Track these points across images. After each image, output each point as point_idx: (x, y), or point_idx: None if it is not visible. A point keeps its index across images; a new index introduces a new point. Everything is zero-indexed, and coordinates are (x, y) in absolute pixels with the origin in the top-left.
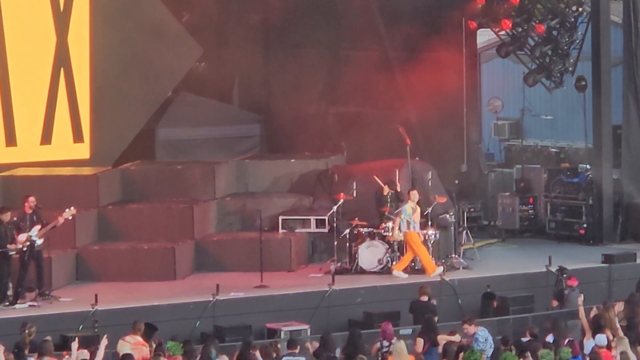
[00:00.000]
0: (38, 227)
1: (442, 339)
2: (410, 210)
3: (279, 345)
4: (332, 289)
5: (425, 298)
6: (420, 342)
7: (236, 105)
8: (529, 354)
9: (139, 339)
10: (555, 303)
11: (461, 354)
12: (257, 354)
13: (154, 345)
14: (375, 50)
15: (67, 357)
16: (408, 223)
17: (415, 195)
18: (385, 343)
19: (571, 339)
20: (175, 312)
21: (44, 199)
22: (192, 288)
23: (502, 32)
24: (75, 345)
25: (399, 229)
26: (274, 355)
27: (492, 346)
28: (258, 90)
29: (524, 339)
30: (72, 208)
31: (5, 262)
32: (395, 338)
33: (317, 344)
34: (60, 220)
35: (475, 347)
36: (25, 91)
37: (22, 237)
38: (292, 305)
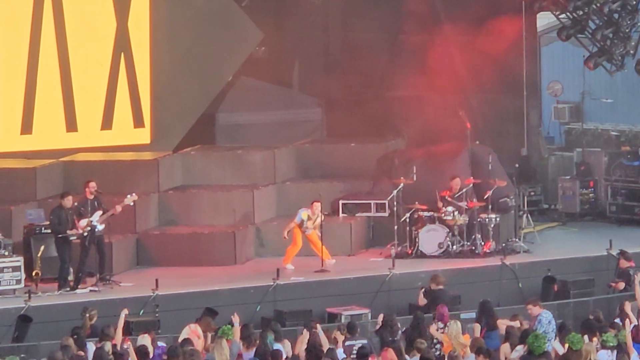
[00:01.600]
0: (100, 212)
1: (502, 323)
2: (306, 217)
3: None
4: (392, 273)
5: (440, 287)
6: (477, 327)
7: (296, 90)
8: (586, 337)
9: (198, 329)
10: (621, 285)
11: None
12: (320, 328)
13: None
14: (435, 33)
15: (129, 343)
16: (302, 223)
17: (317, 207)
18: (441, 325)
19: (636, 324)
20: (235, 296)
21: (105, 184)
22: (253, 273)
23: (563, 15)
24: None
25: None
26: (344, 338)
27: (555, 329)
28: (318, 75)
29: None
30: (133, 194)
31: (67, 247)
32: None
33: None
34: (118, 208)
35: (539, 328)
36: (86, 77)
37: (83, 222)
38: (352, 289)
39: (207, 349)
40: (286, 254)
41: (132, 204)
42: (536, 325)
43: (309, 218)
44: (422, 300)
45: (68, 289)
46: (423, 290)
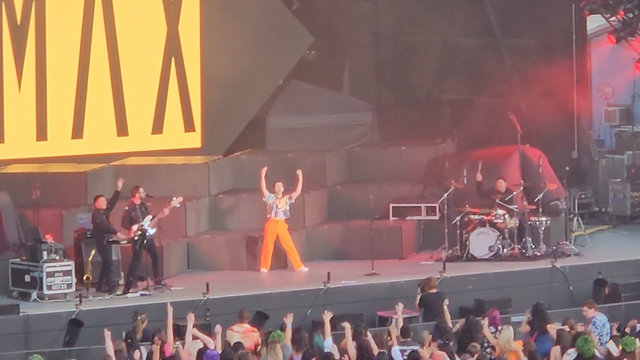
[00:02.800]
0: (149, 217)
1: (552, 327)
2: (273, 198)
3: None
4: (443, 276)
5: (433, 290)
6: (526, 329)
7: (347, 93)
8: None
9: (247, 326)
10: None
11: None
12: (370, 336)
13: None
14: (486, 37)
15: (179, 343)
16: (271, 208)
17: (279, 187)
18: (492, 329)
19: None
20: (286, 300)
21: (155, 188)
22: (304, 276)
23: (613, 18)
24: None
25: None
26: (390, 341)
27: (609, 333)
28: (368, 78)
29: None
30: (179, 197)
31: (111, 251)
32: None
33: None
34: (166, 211)
35: (593, 330)
36: (137, 81)
37: (134, 227)
38: (403, 292)
39: (259, 352)
40: (262, 259)
41: (178, 205)
42: (590, 327)
43: (276, 197)
44: (418, 306)
45: (119, 293)
46: (420, 290)
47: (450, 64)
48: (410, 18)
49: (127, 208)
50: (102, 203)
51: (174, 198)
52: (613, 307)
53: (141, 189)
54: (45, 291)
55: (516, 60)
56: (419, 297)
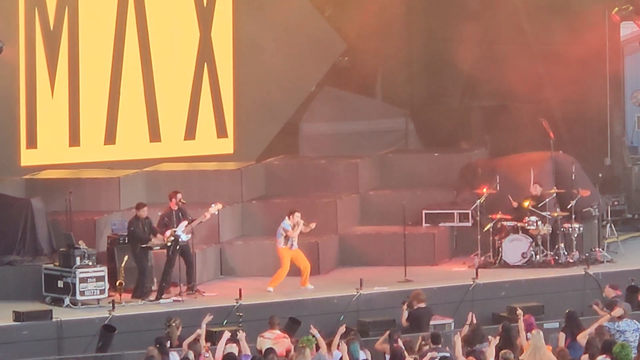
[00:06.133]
0: (184, 223)
1: (582, 337)
2: (289, 226)
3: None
4: (476, 282)
5: (422, 305)
6: (562, 336)
7: (379, 99)
8: None
9: (278, 332)
10: None
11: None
12: (401, 342)
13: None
14: (518, 43)
15: (209, 353)
16: (287, 239)
17: (297, 216)
18: (528, 335)
19: None
20: (319, 306)
21: (188, 194)
22: (336, 282)
23: None
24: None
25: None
26: (428, 348)
27: (636, 340)
28: (401, 84)
29: None
30: (217, 203)
31: (146, 257)
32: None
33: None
34: (207, 215)
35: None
36: (169, 87)
37: (167, 232)
38: (435, 299)
39: (291, 358)
40: (274, 277)
41: (217, 212)
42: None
43: (292, 227)
44: (406, 322)
45: (152, 299)
46: (406, 305)
47: (483, 70)
48: (443, 23)
49: (161, 214)
50: (142, 213)
51: (213, 205)
52: None
53: (179, 195)
54: (78, 297)
55: (549, 66)
56: (406, 313)
